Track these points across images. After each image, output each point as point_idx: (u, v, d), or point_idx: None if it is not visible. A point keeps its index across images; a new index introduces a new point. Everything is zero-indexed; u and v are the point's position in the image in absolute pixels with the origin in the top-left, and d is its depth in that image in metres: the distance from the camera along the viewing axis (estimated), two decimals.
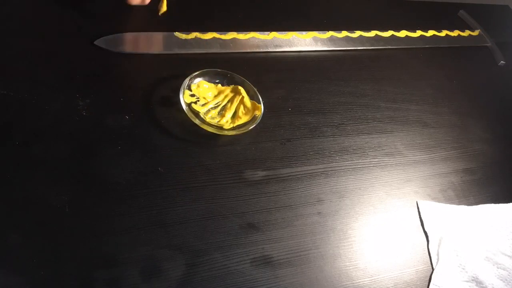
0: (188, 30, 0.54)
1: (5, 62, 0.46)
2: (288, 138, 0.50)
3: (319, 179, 0.48)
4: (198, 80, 0.49)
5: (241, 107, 0.49)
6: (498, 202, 0.52)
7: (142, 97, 0.48)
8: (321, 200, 0.46)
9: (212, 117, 0.48)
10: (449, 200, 0.51)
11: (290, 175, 0.47)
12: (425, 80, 0.64)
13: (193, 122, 0.45)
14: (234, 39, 0.56)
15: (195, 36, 0.54)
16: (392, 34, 0.66)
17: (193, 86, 0.48)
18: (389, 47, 0.65)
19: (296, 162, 0.48)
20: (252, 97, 0.50)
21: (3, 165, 0.39)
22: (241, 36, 0.56)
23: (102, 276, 0.36)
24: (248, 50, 0.56)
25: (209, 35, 0.55)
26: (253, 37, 0.57)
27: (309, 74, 0.58)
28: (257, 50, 0.57)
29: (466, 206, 0.50)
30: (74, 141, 0.42)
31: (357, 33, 0.63)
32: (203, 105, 0.48)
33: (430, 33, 0.69)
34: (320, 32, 0.61)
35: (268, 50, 0.57)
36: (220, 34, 0.55)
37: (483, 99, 0.65)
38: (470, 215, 0.50)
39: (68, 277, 0.35)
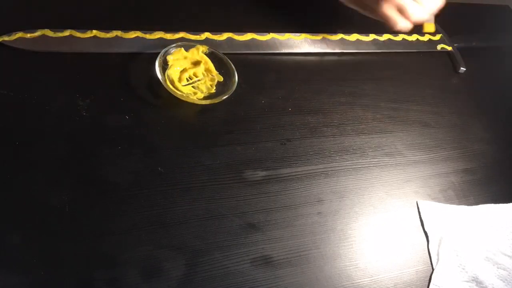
0: (177, 30, 0.54)
1: (5, 62, 0.46)
2: (288, 138, 0.50)
3: (319, 179, 0.48)
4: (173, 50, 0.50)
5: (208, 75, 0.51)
6: (498, 202, 0.52)
7: (142, 97, 0.48)
8: (321, 200, 0.46)
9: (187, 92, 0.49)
10: (449, 200, 0.51)
11: (290, 175, 0.47)
12: (425, 80, 0.64)
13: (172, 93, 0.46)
14: (230, 39, 0.56)
15: (182, 37, 0.54)
16: (389, 38, 0.66)
17: (169, 57, 0.50)
18: (386, 50, 0.65)
19: (296, 162, 0.48)
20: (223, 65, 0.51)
21: (3, 165, 0.39)
22: (238, 37, 0.56)
23: (102, 276, 0.36)
24: (248, 51, 0.56)
25: (203, 36, 0.55)
26: (252, 38, 0.57)
27: (309, 74, 0.58)
28: (257, 51, 0.57)
29: (466, 206, 0.51)
30: (74, 141, 0.42)
31: (354, 37, 0.63)
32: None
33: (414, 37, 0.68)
34: (314, 34, 0.61)
35: (268, 52, 0.57)
36: (214, 35, 0.55)
37: (483, 99, 0.65)
38: (470, 215, 0.50)
39: (68, 277, 0.35)
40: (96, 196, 0.40)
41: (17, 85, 0.45)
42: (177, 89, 0.48)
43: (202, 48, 0.51)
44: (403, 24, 0.50)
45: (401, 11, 0.49)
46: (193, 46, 0.51)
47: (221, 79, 0.51)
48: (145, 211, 0.40)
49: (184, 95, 0.47)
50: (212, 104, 0.48)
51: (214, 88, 0.50)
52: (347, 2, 0.57)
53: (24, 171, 0.39)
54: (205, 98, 0.49)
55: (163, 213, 0.40)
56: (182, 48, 0.50)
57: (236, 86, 0.49)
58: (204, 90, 0.50)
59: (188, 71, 0.50)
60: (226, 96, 0.48)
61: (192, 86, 0.49)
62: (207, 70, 0.51)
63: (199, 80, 0.50)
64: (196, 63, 0.51)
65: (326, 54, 0.61)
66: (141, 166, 0.43)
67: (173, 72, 0.49)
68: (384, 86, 0.60)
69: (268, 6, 0.63)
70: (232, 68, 0.50)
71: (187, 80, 0.49)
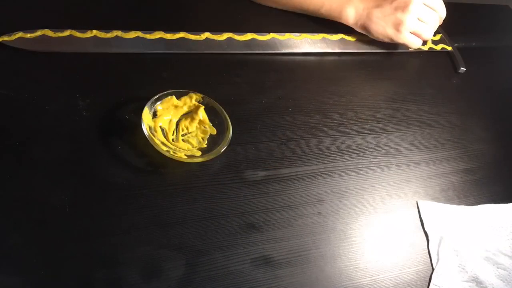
0: (177, 30, 0.54)
1: (5, 62, 0.46)
2: (288, 138, 0.50)
3: (319, 179, 0.48)
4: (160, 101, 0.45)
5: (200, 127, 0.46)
6: (498, 202, 0.52)
7: (142, 97, 0.48)
8: (321, 200, 0.46)
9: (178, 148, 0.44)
10: (449, 200, 0.51)
11: (290, 175, 0.47)
12: (425, 80, 0.64)
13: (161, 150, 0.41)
14: (230, 40, 0.56)
15: (182, 37, 0.54)
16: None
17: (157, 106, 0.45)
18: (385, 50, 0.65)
19: (296, 162, 0.48)
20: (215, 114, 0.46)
21: (3, 165, 0.39)
22: (238, 37, 0.56)
23: (102, 276, 0.36)
24: (248, 51, 0.56)
25: (203, 36, 0.55)
26: (252, 38, 0.57)
27: (309, 74, 0.58)
28: (257, 51, 0.57)
29: (466, 206, 0.51)
30: (74, 141, 0.42)
31: (354, 37, 0.63)
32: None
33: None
34: (314, 34, 0.61)
35: (268, 52, 0.57)
36: (214, 35, 0.55)
37: (483, 99, 0.65)
38: (470, 215, 0.50)
39: (68, 277, 0.35)
40: (96, 196, 0.40)
41: (17, 85, 0.45)
42: (164, 144, 0.43)
43: (196, 96, 0.46)
44: (419, 44, 0.61)
45: (416, 34, 0.59)
46: (185, 94, 0.46)
47: (214, 132, 0.46)
48: (145, 211, 0.40)
49: (171, 151, 0.42)
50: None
51: (206, 142, 0.45)
52: (361, 30, 0.62)
53: (24, 171, 0.39)
54: (191, 156, 0.43)
55: (163, 213, 0.40)
56: (174, 96, 0.45)
57: (236, 86, 0.49)
58: (195, 144, 0.45)
59: (181, 123, 0.46)
60: (215, 156, 0.43)
61: (182, 140, 0.45)
62: (200, 121, 0.46)
63: (189, 133, 0.46)
64: (187, 113, 0.47)
65: (326, 54, 0.61)
66: (141, 166, 0.43)
67: (163, 122, 0.45)
68: (384, 86, 0.60)
69: (268, 6, 0.63)
70: (227, 120, 0.45)
71: (174, 134, 0.45)
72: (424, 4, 0.58)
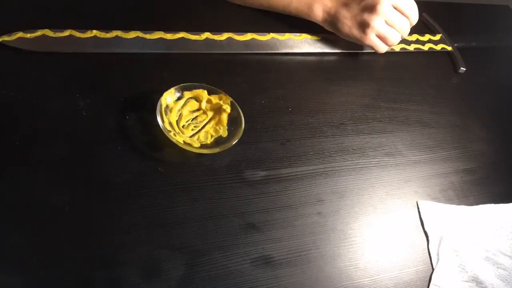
0: (177, 30, 0.54)
1: (5, 62, 0.46)
2: (288, 138, 0.50)
3: (319, 179, 0.48)
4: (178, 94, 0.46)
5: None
6: (498, 202, 0.52)
7: (142, 97, 0.48)
8: (321, 200, 0.46)
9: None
10: (449, 200, 0.51)
11: (290, 175, 0.47)
12: (425, 80, 0.64)
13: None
14: (230, 40, 0.56)
15: (182, 37, 0.54)
16: None
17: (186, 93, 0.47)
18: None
19: (296, 162, 0.48)
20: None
21: (3, 165, 0.39)
22: (238, 37, 0.56)
23: (102, 276, 0.36)
24: (248, 51, 0.56)
25: (203, 36, 0.55)
26: (252, 38, 0.57)
27: (309, 74, 0.58)
28: (257, 51, 0.57)
29: (466, 206, 0.51)
30: (74, 141, 0.42)
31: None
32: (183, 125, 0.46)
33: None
34: (314, 34, 0.61)
35: (268, 52, 0.57)
36: (214, 35, 0.55)
37: (483, 99, 0.65)
38: (470, 215, 0.50)
39: (68, 277, 0.35)
40: (96, 196, 0.40)
41: (17, 85, 0.45)
42: (171, 125, 0.44)
43: (225, 98, 0.47)
44: (386, 48, 0.58)
45: (381, 37, 0.56)
46: (216, 93, 0.47)
47: (226, 134, 0.46)
48: (145, 211, 0.40)
49: (172, 133, 0.43)
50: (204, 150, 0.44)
51: (211, 140, 0.46)
52: (329, 28, 0.60)
53: (24, 171, 0.39)
54: (188, 144, 0.44)
55: (163, 213, 0.40)
56: (206, 91, 0.47)
57: (236, 86, 0.49)
58: (201, 138, 0.46)
59: (199, 116, 0.47)
60: (221, 150, 0.44)
61: (192, 129, 0.46)
62: (218, 121, 0.47)
63: (203, 128, 0.47)
64: (209, 110, 0.48)
65: (326, 54, 0.61)
66: (141, 166, 0.43)
67: (182, 108, 0.46)
68: (384, 86, 0.60)
69: (237, 4, 0.63)
70: (241, 127, 0.46)
71: (188, 122, 0.47)
72: (395, 8, 0.55)
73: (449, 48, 0.68)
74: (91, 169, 0.41)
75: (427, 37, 0.68)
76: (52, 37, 0.49)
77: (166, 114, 0.44)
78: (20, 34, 0.47)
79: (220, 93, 0.47)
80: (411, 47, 0.66)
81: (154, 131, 0.45)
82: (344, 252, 0.43)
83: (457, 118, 0.60)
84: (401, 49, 0.65)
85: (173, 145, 0.44)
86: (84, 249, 0.37)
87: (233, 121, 0.47)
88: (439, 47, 0.68)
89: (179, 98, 0.47)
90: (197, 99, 0.48)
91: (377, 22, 0.54)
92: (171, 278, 0.37)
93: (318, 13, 0.59)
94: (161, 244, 0.39)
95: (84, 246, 0.37)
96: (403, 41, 0.66)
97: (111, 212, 0.39)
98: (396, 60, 0.64)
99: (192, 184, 0.43)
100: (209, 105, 0.48)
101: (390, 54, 0.64)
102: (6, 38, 0.47)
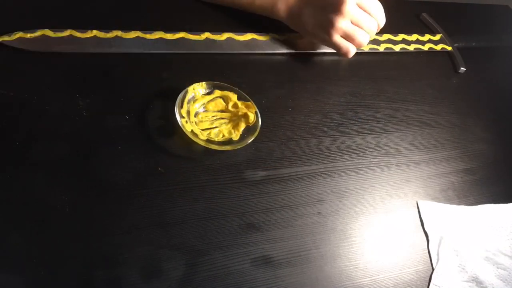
0: (177, 31, 0.54)
1: (5, 62, 0.46)
2: (288, 138, 0.50)
3: (319, 179, 0.48)
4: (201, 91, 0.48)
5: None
6: (498, 202, 0.52)
7: (142, 97, 0.48)
8: (321, 200, 0.46)
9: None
10: (449, 200, 0.51)
11: (290, 175, 0.47)
12: (425, 80, 0.64)
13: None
14: (230, 40, 0.56)
15: (182, 37, 0.54)
16: (389, 38, 0.66)
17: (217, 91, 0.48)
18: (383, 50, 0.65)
19: (296, 162, 0.48)
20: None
21: (3, 165, 0.39)
22: (238, 37, 0.56)
23: (102, 276, 0.36)
24: (248, 51, 0.56)
25: (203, 36, 0.55)
26: (252, 38, 0.57)
27: (309, 74, 0.58)
28: (257, 51, 0.57)
29: (466, 206, 0.51)
30: (74, 141, 0.42)
31: None
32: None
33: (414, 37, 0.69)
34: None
35: (268, 52, 0.57)
36: (214, 35, 0.55)
37: (483, 99, 0.65)
38: (470, 215, 0.50)
39: (68, 277, 0.35)
40: (96, 196, 0.40)
41: (17, 85, 0.45)
42: (188, 114, 0.45)
43: (252, 108, 0.48)
44: (353, 51, 0.54)
45: (348, 37, 0.53)
46: (246, 100, 0.48)
47: (237, 138, 0.46)
48: (145, 211, 0.40)
49: (183, 121, 0.44)
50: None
51: (220, 139, 0.46)
52: (293, 26, 0.57)
53: (24, 171, 0.39)
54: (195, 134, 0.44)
55: (163, 213, 0.40)
56: (236, 95, 0.48)
57: (236, 86, 0.49)
58: (212, 135, 0.46)
59: (221, 115, 0.48)
60: (236, 148, 0.45)
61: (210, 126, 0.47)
62: (236, 125, 0.47)
63: (219, 127, 0.47)
64: (232, 114, 0.49)
65: (326, 54, 0.61)
66: (141, 166, 0.43)
67: (208, 103, 0.47)
68: (384, 86, 0.60)
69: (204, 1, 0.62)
70: (252, 136, 0.46)
71: (207, 118, 0.47)
72: (360, 8, 0.52)
73: (449, 48, 0.68)
74: (91, 169, 0.41)
75: (427, 37, 0.68)
76: (52, 37, 0.49)
77: (188, 103, 0.46)
78: (20, 34, 0.47)
79: (249, 101, 0.48)
80: (411, 47, 0.66)
81: (154, 131, 0.45)
82: (344, 252, 0.43)
83: (457, 118, 0.60)
84: (401, 49, 0.65)
85: (174, 145, 0.44)
86: (84, 249, 0.37)
87: (249, 130, 0.47)
88: (439, 47, 0.68)
89: (207, 94, 0.48)
90: (225, 99, 0.49)
91: (341, 22, 0.51)
92: (171, 278, 0.37)
93: (282, 11, 0.55)
94: (161, 244, 0.39)
95: (84, 246, 0.37)
96: (403, 41, 0.66)
97: (111, 212, 0.39)
98: (396, 60, 0.64)
99: (192, 184, 0.43)
100: (234, 109, 0.48)
101: (390, 54, 0.64)
102: (6, 38, 0.47)
